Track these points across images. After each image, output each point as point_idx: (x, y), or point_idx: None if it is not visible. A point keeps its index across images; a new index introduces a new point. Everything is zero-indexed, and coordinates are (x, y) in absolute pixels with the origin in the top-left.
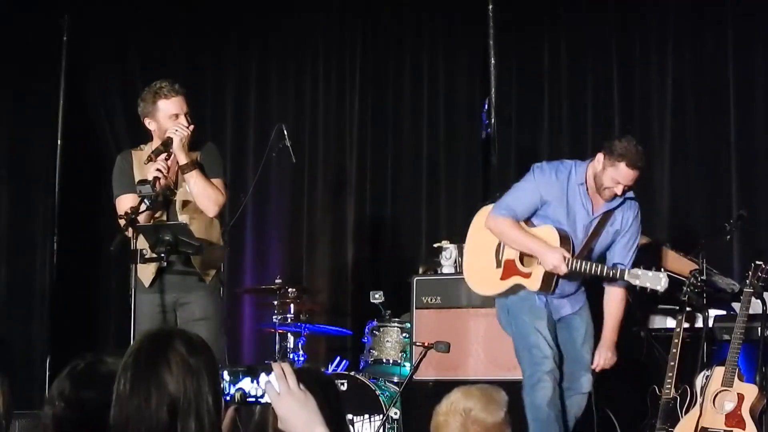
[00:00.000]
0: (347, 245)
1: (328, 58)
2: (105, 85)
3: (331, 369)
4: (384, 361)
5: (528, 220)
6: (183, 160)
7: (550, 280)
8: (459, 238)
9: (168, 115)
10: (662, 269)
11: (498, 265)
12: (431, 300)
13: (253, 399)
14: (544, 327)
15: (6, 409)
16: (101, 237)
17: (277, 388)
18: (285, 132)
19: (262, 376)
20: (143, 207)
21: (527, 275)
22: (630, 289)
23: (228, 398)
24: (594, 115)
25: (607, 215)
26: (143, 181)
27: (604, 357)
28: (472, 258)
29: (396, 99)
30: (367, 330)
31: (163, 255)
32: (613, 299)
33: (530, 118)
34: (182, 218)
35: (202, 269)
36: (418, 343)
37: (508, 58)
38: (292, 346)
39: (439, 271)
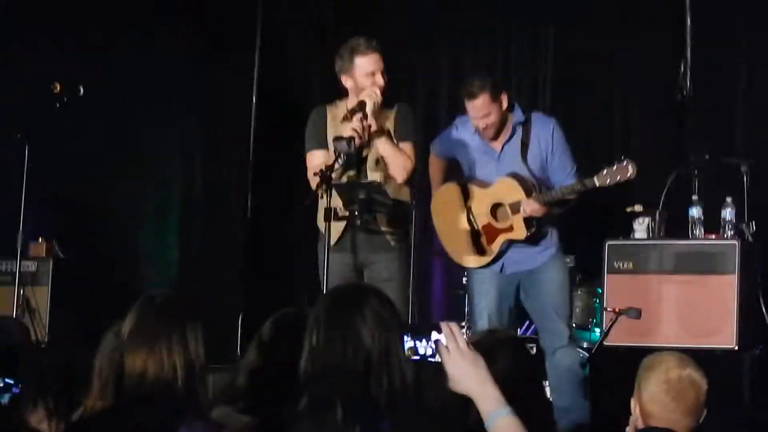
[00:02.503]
0: None
1: (519, 16)
2: (300, 40)
3: (519, 333)
4: (574, 326)
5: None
6: (374, 126)
7: (530, 222)
8: (652, 202)
9: (365, 73)
10: (622, 157)
11: (478, 234)
12: (623, 265)
13: (419, 357)
14: (490, 300)
15: (203, 361)
16: (294, 194)
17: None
18: None
19: (433, 335)
20: (338, 164)
21: (510, 229)
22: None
23: None
24: None
25: (522, 145)
26: (340, 138)
27: (531, 206)
28: (448, 237)
29: (588, 62)
30: None
31: (357, 213)
32: None
33: (725, 79)
34: (374, 177)
35: (391, 229)
36: (608, 309)
37: (704, 18)
38: None
39: (631, 236)
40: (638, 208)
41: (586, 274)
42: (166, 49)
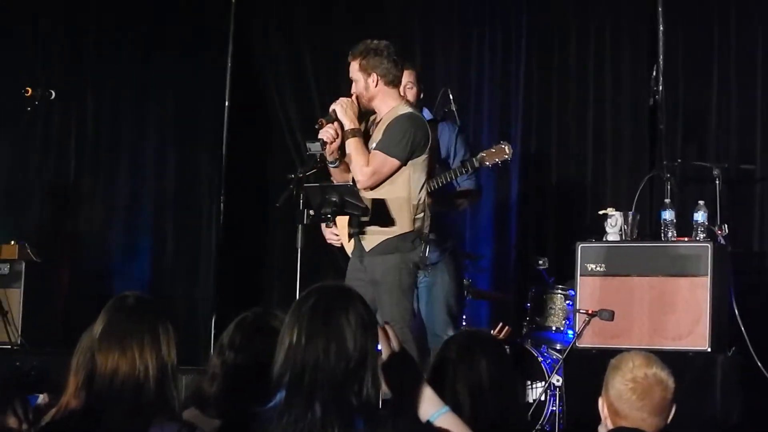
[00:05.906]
0: (511, 211)
1: (493, 23)
2: (271, 48)
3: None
4: (547, 327)
5: None
6: (347, 125)
7: None
8: (625, 205)
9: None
10: (500, 141)
11: None
12: (596, 267)
13: None
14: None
15: (175, 362)
16: (266, 198)
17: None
18: (451, 96)
19: None
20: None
21: None
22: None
23: None
24: (764, 78)
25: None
26: (313, 139)
27: None
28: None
29: (562, 65)
30: (530, 296)
31: (329, 216)
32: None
33: (698, 84)
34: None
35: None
36: (581, 311)
37: (677, 24)
38: None
39: (604, 239)
40: (611, 210)
41: (560, 277)
42: (140, 46)
